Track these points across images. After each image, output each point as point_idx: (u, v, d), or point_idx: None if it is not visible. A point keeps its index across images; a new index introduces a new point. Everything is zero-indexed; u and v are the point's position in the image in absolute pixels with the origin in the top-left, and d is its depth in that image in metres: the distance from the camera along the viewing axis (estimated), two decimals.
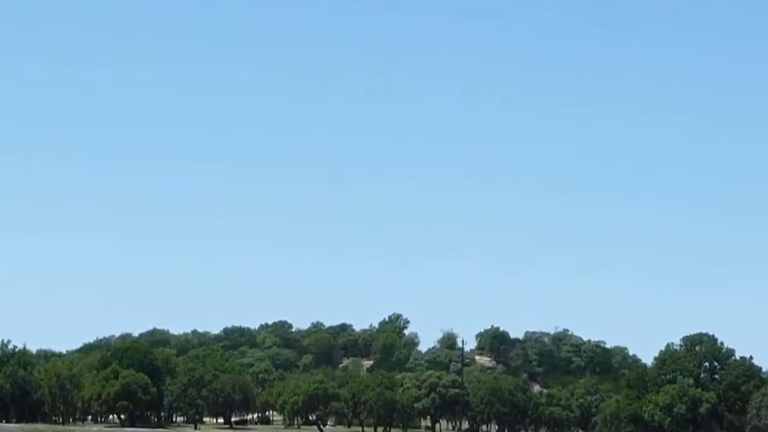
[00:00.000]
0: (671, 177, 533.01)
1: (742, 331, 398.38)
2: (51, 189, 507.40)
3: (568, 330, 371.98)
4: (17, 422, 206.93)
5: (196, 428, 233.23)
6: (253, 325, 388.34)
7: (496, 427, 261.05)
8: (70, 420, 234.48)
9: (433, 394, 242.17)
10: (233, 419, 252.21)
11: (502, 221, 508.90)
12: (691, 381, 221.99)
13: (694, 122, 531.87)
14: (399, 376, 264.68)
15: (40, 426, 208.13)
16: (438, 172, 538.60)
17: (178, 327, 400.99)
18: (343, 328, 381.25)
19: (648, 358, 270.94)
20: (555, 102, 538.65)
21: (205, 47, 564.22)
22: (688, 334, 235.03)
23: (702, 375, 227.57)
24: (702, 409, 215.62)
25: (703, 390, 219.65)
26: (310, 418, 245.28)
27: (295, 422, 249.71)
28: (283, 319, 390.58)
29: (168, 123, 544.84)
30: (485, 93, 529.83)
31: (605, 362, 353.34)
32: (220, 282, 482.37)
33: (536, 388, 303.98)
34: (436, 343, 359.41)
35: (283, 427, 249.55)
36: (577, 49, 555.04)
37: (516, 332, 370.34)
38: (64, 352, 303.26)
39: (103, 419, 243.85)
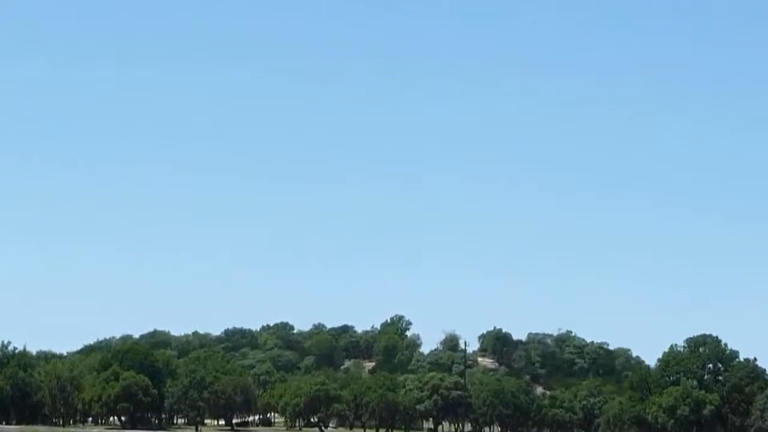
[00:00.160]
0: (671, 177, 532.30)
1: (746, 332, 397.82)
2: (51, 190, 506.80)
3: (571, 331, 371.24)
4: (17, 424, 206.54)
5: (197, 430, 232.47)
6: (255, 327, 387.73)
7: (499, 430, 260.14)
8: (71, 422, 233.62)
9: (435, 396, 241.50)
10: (234, 421, 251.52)
11: (504, 222, 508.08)
12: (695, 383, 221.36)
13: (694, 122, 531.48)
14: (401, 378, 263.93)
15: (40, 428, 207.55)
16: (438, 172, 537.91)
17: (179, 328, 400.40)
18: (345, 329, 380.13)
19: (651, 360, 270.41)
20: (555, 102, 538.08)
21: (205, 47, 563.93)
22: (691, 336, 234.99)
23: (706, 377, 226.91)
24: (706, 411, 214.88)
25: (706, 392, 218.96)
26: (312, 420, 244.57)
27: (297, 424, 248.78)
28: (284, 320, 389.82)
29: (168, 123, 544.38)
30: (485, 93, 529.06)
31: (608, 364, 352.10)
32: (221, 283, 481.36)
33: (539, 389, 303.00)
34: (439, 345, 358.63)
35: (284, 429, 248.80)
36: (577, 49, 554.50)
37: (519, 334, 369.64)
38: (65, 353, 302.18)
39: (103, 421, 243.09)
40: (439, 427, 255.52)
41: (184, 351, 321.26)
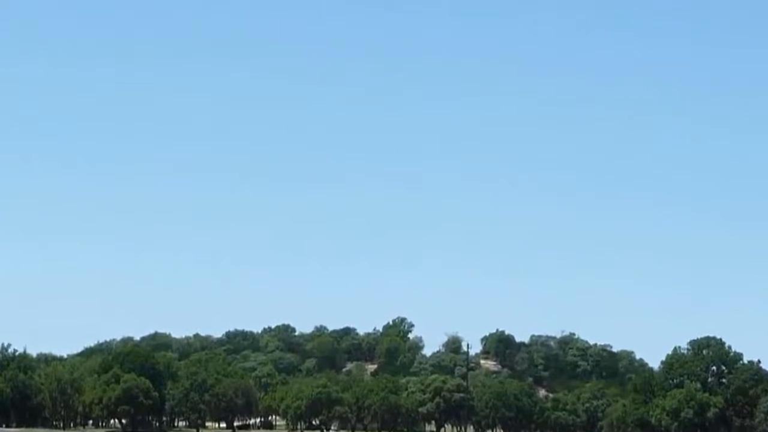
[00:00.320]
0: (671, 177, 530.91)
1: (750, 334, 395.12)
2: (51, 191, 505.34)
3: (574, 334, 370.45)
4: (17, 427, 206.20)
5: None
6: (256, 329, 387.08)
7: None
8: (71, 425, 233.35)
9: (437, 399, 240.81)
10: (236, 424, 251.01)
11: (505, 222, 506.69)
12: (699, 385, 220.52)
13: (694, 122, 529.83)
14: (403, 381, 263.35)
15: (41, 431, 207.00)
16: (438, 172, 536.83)
17: (180, 331, 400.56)
18: (347, 331, 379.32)
19: (655, 362, 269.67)
20: (555, 102, 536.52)
21: (205, 47, 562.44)
22: (695, 338, 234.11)
23: (709, 379, 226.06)
24: (710, 414, 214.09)
25: (710, 394, 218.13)
26: (314, 422, 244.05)
27: (299, 427, 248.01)
28: (286, 322, 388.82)
29: (168, 123, 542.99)
30: (485, 93, 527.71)
31: (612, 366, 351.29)
32: (223, 285, 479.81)
33: (542, 392, 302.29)
34: (441, 347, 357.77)
35: (286, 431, 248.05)
36: (577, 49, 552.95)
37: (521, 336, 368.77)
38: (65, 356, 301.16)
39: (104, 424, 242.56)
40: (442, 430, 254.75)
41: (185, 353, 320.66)
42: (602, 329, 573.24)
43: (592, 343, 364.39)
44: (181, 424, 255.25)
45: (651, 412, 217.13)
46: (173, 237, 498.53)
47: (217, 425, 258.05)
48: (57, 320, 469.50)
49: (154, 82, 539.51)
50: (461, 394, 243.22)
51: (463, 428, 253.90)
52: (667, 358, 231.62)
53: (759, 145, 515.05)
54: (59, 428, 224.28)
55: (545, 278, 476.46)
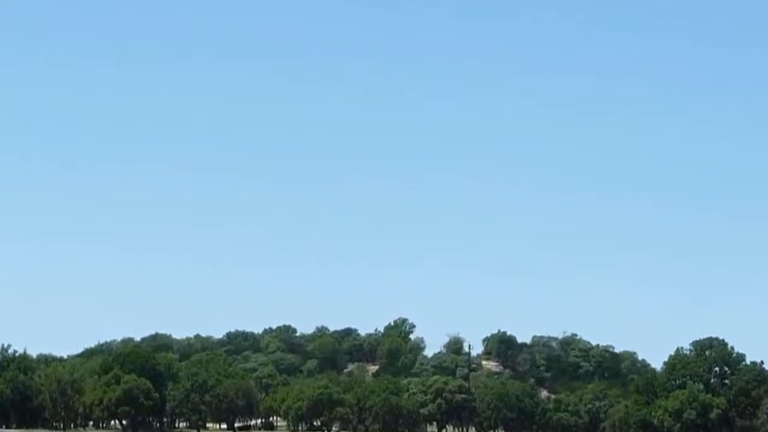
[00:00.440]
0: (671, 177, 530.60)
1: (753, 335, 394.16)
2: (52, 191, 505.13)
3: (576, 334, 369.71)
4: (17, 428, 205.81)
5: None
6: (257, 330, 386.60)
7: None
8: (72, 426, 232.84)
9: (439, 400, 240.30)
10: (237, 425, 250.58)
11: (505, 222, 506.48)
12: (701, 386, 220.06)
13: (694, 122, 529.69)
14: (405, 382, 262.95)
15: None
16: (438, 172, 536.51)
17: (180, 331, 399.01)
18: (348, 332, 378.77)
19: (657, 363, 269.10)
20: (555, 102, 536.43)
21: (205, 47, 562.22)
22: (697, 339, 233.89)
23: (712, 380, 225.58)
24: (712, 415, 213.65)
25: (713, 395, 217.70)
26: (315, 423, 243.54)
27: (300, 428, 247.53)
28: (287, 323, 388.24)
29: (168, 123, 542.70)
30: (485, 93, 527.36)
31: (614, 367, 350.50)
32: (223, 286, 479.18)
33: (544, 393, 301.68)
34: (442, 348, 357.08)
35: None
36: (577, 49, 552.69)
37: (523, 337, 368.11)
38: (65, 356, 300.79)
39: (104, 425, 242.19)
40: (443, 431, 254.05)
41: (185, 354, 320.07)
42: (604, 330, 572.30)
43: (594, 343, 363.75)
44: (181, 425, 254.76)
45: (653, 413, 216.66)
46: (173, 237, 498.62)
47: (217, 426, 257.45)
48: (57, 321, 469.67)
49: (154, 82, 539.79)
50: (463, 395, 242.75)
51: (464, 429, 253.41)
52: (669, 358, 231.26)
53: (759, 145, 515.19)
54: (59, 429, 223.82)
55: (547, 278, 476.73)
